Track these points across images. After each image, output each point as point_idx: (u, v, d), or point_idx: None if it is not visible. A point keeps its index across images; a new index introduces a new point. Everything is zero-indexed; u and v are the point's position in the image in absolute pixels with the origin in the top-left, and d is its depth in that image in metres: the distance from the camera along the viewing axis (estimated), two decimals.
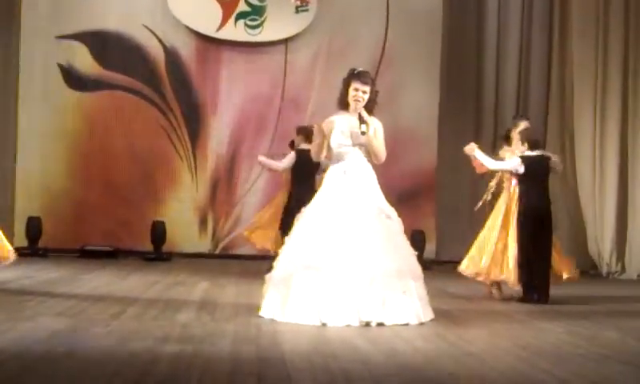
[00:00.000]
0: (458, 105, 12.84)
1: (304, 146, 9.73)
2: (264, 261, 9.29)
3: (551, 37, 12.75)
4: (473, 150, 8.15)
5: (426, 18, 12.62)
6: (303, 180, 9.59)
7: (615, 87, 11.72)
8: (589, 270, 11.91)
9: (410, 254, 6.61)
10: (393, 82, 12.32)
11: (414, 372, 4.68)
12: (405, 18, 12.61)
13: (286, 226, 9.59)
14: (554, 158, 8.27)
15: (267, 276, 6.61)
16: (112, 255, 11.66)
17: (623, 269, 11.62)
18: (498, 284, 8.34)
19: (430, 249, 12.03)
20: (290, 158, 9.96)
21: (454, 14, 12.95)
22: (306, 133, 9.88)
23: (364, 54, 12.20)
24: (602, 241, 11.69)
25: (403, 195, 11.56)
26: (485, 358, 5.13)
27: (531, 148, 8.10)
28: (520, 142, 8.24)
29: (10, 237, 8.77)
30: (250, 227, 10.92)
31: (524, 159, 8.05)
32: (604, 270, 11.58)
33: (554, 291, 8.04)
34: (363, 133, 6.50)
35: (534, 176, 8.06)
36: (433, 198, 12.48)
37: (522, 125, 8.47)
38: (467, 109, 12.89)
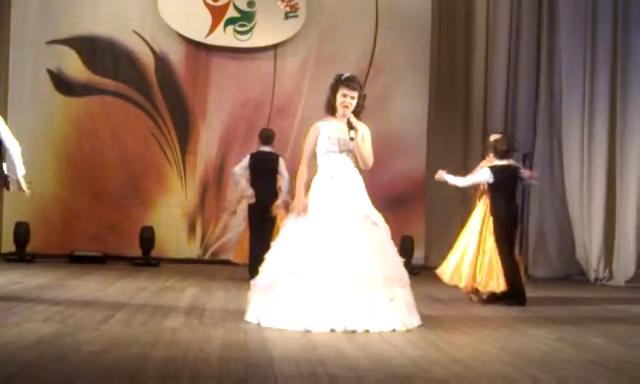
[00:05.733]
0: (446, 111, 12.90)
1: (264, 148, 9.93)
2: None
3: (539, 43, 12.80)
4: (442, 176, 8.54)
5: (416, 26, 12.67)
6: (262, 181, 9.76)
7: (603, 93, 11.79)
8: (576, 275, 11.98)
9: (397, 260, 6.60)
10: (382, 88, 12.37)
11: (402, 378, 4.68)
12: (394, 25, 12.65)
13: (251, 227, 9.78)
14: (523, 170, 8.60)
15: (252, 281, 6.62)
16: (101, 260, 11.64)
17: (611, 275, 11.66)
18: (477, 289, 8.45)
19: (419, 255, 12.06)
20: (244, 161, 10.00)
21: (444, 21, 13.01)
22: (264, 136, 10.02)
23: (353, 60, 12.25)
24: (589, 247, 11.73)
25: (392, 201, 11.60)
26: (473, 364, 5.14)
27: (500, 158, 8.41)
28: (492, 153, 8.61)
29: None
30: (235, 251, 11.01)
31: (492, 169, 8.37)
32: (592, 276, 11.62)
33: (543, 296, 8.10)
34: (352, 139, 6.50)
35: (503, 185, 8.37)
36: (422, 204, 12.51)
37: (493, 136, 8.84)
38: (456, 115, 12.94)
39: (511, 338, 6.33)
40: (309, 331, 6.07)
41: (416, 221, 12.37)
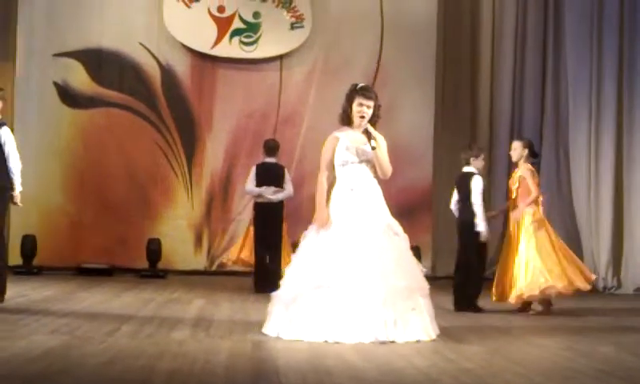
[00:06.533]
0: (453, 121, 12.88)
1: (268, 159, 10.06)
2: None
3: (545, 51, 12.79)
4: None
5: (421, 35, 12.65)
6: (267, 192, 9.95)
7: (610, 102, 11.75)
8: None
9: (418, 270, 6.59)
10: (388, 98, 12.28)
11: None
12: (400, 35, 12.64)
13: (256, 235, 10.00)
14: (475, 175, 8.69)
15: (273, 294, 6.54)
16: (108, 273, 11.63)
17: (619, 284, 11.60)
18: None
19: (426, 265, 11.89)
20: (251, 174, 10.12)
21: (449, 31, 13.00)
22: (268, 147, 10.08)
23: (359, 70, 12.23)
24: (597, 255, 11.68)
25: (399, 211, 11.43)
26: (481, 375, 5.10)
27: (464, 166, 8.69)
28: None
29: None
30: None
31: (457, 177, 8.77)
32: (600, 284, 11.55)
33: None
34: (373, 148, 6.47)
35: (460, 192, 8.64)
36: (428, 213, 12.46)
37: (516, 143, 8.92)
38: (462, 125, 12.92)
39: (520, 348, 6.29)
40: (337, 343, 6.01)
41: (423, 231, 12.31)
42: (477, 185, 8.53)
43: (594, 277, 8.77)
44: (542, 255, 8.24)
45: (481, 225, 8.50)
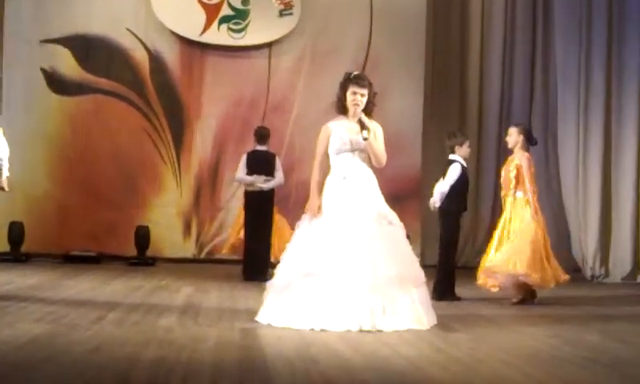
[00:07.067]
0: (442, 108, 12.88)
1: (259, 147, 10.06)
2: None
3: (534, 38, 12.80)
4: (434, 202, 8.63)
5: (410, 22, 12.63)
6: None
7: (598, 88, 11.73)
8: (573, 273, 11.93)
9: (413, 259, 6.57)
10: (377, 85, 12.00)
11: (396, 377, 4.66)
12: (389, 22, 12.61)
13: (247, 224, 10.00)
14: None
15: (268, 283, 6.55)
16: (96, 260, 11.60)
17: (607, 272, 11.63)
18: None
19: (415, 253, 11.94)
20: (241, 162, 10.10)
21: (438, 18, 12.99)
22: (259, 135, 10.10)
23: (348, 58, 12.21)
24: (585, 244, 11.70)
25: (388, 199, 11.47)
26: (469, 363, 5.11)
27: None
28: None
29: None
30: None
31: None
32: (588, 273, 11.59)
33: (539, 294, 8.18)
34: (365, 139, 6.45)
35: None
36: (417, 201, 12.43)
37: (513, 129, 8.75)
38: (451, 112, 12.93)
39: (507, 336, 6.30)
40: (324, 331, 6.01)
41: (411, 219, 12.24)
42: (454, 171, 8.47)
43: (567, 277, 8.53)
44: (528, 240, 8.14)
45: (437, 197, 8.48)
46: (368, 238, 6.33)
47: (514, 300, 8.26)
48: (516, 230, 8.20)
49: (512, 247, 8.15)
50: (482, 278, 8.38)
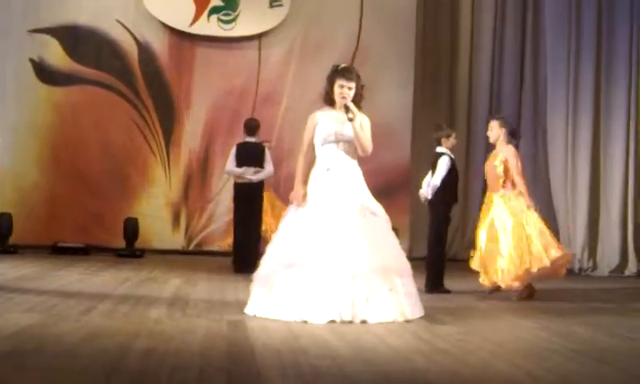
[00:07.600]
0: (431, 101, 12.90)
1: (249, 139, 10.07)
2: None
3: (524, 31, 12.83)
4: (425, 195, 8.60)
5: (400, 15, 12.63)
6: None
7: (588, 82, 11.78)
8: None
9: (397, 250, 6.56)
10: (366, 77, 11.94)
11: (384, 367, 4.66)
12: (379, 14, 12.61)
13: (236, 216, 10.03)
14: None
15: (255, 274, 6.55)
16: (84, 252, 11.56)
17: (595, 265, 11.68)
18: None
19: (404, 246, 11.87)
20: (231, 153, 10.08)
21: (428, 11, 13.00)
22: (249, 126, 10.11)
23: (338, 50, 12.21)
24: (574, 237, 11.74)
25: (376, 192, 11.46)
26: (456, 354, 5.12)
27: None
28: None
29: None
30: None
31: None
32: (576, 266, 11.63)
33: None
34: (350, 119, 6.43)
35: (433, 172, 8.63)
36: (406, 194, 12.46)
37: (494, 122, 8.63)
38: (441, 105, 12.94)
39: (496, 328, 6.32)
40: (306, 322, 6.01)
41: (400, 212, 12.29)
42: (443, 164, 8.46)
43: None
44: (536, 232, 8.03)
45: (427, 190, 8.50)
46: (350, 228, 6.32)
47: (523, 295, 8.09)
48: (514, 225, 7.98)
49: (521, 246, 7.93)
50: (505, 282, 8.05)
